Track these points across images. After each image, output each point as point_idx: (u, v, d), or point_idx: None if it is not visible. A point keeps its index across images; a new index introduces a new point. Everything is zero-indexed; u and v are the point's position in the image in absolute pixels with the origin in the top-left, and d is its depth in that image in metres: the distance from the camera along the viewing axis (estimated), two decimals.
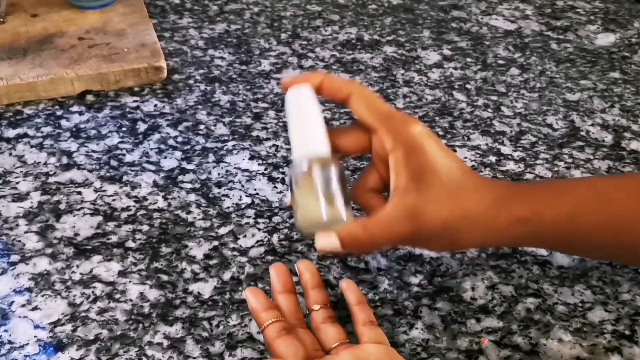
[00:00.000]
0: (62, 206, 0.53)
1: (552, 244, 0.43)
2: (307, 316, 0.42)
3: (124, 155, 0.59)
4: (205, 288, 0.46)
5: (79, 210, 0.52)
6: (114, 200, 0.53)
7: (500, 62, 0.74)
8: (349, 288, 0.42)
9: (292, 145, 0.41)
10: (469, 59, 0.75)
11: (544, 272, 0.47)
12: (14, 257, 0.48)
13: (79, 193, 0.54)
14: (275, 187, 0.55)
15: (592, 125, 0.64)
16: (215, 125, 0.63)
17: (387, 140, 0.39)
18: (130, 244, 0.49)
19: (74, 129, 0.62)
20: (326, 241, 0.39)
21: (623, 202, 0.38)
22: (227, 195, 0.54)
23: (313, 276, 0.42)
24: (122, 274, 0.47)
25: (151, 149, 0.59)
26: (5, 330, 0.43)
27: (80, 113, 0.64)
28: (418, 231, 0.38)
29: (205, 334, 0.43)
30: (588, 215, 0.38)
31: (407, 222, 0.38)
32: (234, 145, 0.60)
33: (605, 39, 0.80)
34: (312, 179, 0.39)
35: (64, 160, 0.58)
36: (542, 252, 0.49)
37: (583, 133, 0.63)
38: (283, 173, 0.57)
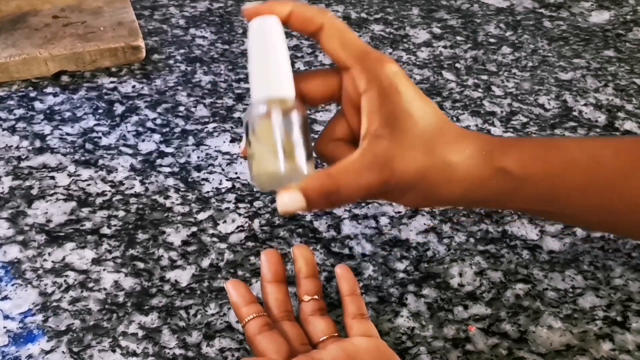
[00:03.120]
0: (34, 191, 0.51)
1: (533, 203, 0.38)
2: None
3: (100, 138, 0.56)
4: (183, 276, 0.44)
5: (51, 195, 0.50)
6: (88, 185, 0.51)
7: (491, 40, 0.72)
8: (343, 276, 0.40)
9: (251, 84, 0.36)
10: (459, 38, 0.72)
11: (534, 257, 0.46)
12: None
13: (52, 178, 0.52)
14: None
15: (585, 105, 0.62)
16: (195, 107, 0.60)
17: (360, 80, 0.35)
18: (105, 230, 0.47)
19: (47, 111, 0.59)
20: (289, 199, 0.34)
21: (612, 163, 0.36)
22: (206, 180, 0.52)
23: (308, 264, 0.40)
24: (96, 261, 0.45)
25: (128, 131, 0.57)
26: None
27: (55, 94, 0.61)
28: (390, 181, 0.34)
29: (182, 324, 0.41)
30: (575, 174, 0.35)
31: (378, 170, 0.34)
32: (214, 128, 0.58)
33: (600, 17, 0.78)
34: (271, 125, 0.34)
35: (37, 143, 0.55)
36: (533, 236, 0.47)
37: (576, 113, 0.61)
38: None
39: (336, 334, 0.37)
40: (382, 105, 0.35)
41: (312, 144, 0.37)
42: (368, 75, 0.35)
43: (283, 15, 0.35)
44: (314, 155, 0.38)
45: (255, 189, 0.51)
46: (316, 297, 0.39)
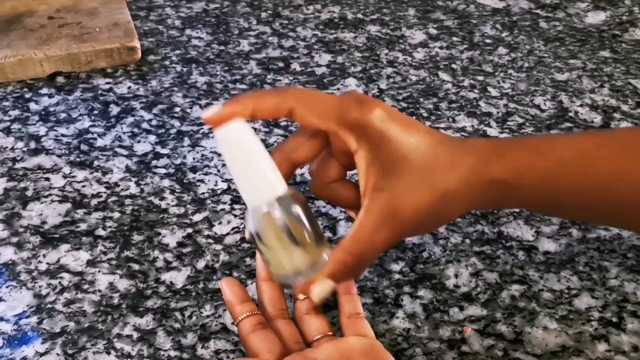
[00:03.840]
0: (29, 193, 0.50)
1: (531, 205, 0.40)
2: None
3: (95, 139, 0.56)
4: (178, 277, 0.44)
5: (46, 197, 0.50)
6: (83, 186, 0.51)
7: (488, 41, 0.72)
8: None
9: (241, 193, 0.35)
10: (455, 38, 0.72)
11: (529, 258, 0.46)
12: None
13: (47, 179, 0.52)
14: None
15: (581, 105, 0.62)
16: (191, 108, 0.60)
17: (349, 141, 0.36)
18: (100, 232, 0.47)
19: (43, 112, 0.59)
20: (322, 290, 0.36)
21: (605, 162, 0.36)
22: (202, 181, 0.52)
23: None
24: (91, 263, 0.45)
25: (124, 132, 0.57)
26: None
27: (50, 95, 0.61)
28: (403, 230, 0.36)
29: (177, 325, 0.41)
30: (569, 175, 0.36)
31: (388, 226, 0.35)
32: (210, 129, 0.58)
33: (596, 17, 0.78)
34: (276, 228, 0.34)
35: (32, 144, 0.55)
36: (528, 237, 0.47)
37: (572, 114, 0.61)
38: None
39: (331, 333, 0.37)
40: (376, 158, 0.35)
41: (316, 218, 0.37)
42: (356, 135, 0.35)
43: (246, 115, 0.34)
44: (324, 233, 0.39)
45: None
46: None
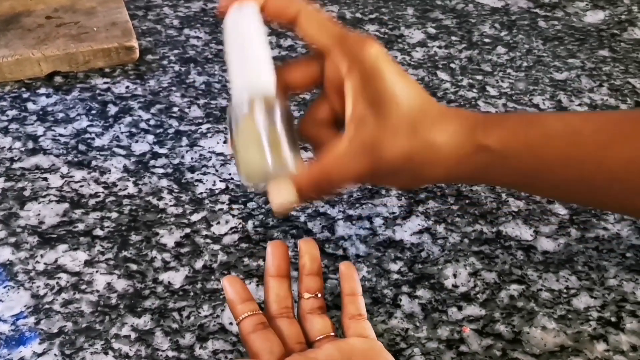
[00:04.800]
0: (27, 193, 0.50)
1: (515, 177, 0.39)
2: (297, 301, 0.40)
3: (93, 139, 0.56)
4: (176, 277, 0.44)
5: (44, 197, 0.50)
6: (81, 186, 0.51)
7: (486, 40, 0.72)
8: (345, 275, 0.39)
9: (231, 79, 0.35)
10: (453, 38, 0.72)
11: (528, 258, 0.46)
12: None
13: (45, 179, 0.52)
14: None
15: (580, 105, 0.62)
16: (189, 108, 0.60)
17: (342, 64, 0.35)
18: (98, 232, 0.47)
19: (40, 112, 0.59)
20: (281, 195, 0.35)
21: (592, 136, 0.36)
22: (200, 181, 0.52)
23: (313, 261, 0.39)
24: (89, 263, 0.45)
25: (122, 132, 0.57)
26: None
27: (48, 95, 0.61)
28: (378, 166, 0.35)
29: (175, 326, 0.41)
30: (555, 147, 0.36)
31: (366, 156, 0.35)
32: (208, 128, 0.57)
33: (594, 16, 0.78)
34: (254, 122, 0.34)
35: (30, 144, 0.55)
36: (527, 237, 0.47)
37: None
38: None
39: (333, 334, 0.37)
40: (365, 89, 0.35)
41: (297, 124, 0.37)
42: (349, 59, 0.35)
43: (259, 3, 0.35)
44: (299, 143, 0.37)
45: (249, 190, 0.51)
46: (317, 295, 0.39)
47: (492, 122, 0.36)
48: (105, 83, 0.63)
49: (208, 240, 0.47)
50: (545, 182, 0.38)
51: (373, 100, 0.35)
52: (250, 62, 0.34)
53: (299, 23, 0.36)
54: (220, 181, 0.52)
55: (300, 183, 0.35)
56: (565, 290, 0.43)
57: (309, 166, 0.35)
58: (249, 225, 0.48)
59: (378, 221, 0.48)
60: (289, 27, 0.37)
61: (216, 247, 0.46)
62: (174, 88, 0.63)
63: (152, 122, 0.58)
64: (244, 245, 0.46)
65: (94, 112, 0.59)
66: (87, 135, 0.56)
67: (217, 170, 0.53)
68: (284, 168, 0.34)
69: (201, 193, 0.51)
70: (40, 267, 0.44)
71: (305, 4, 0.36)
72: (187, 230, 0.47)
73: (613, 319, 0.41)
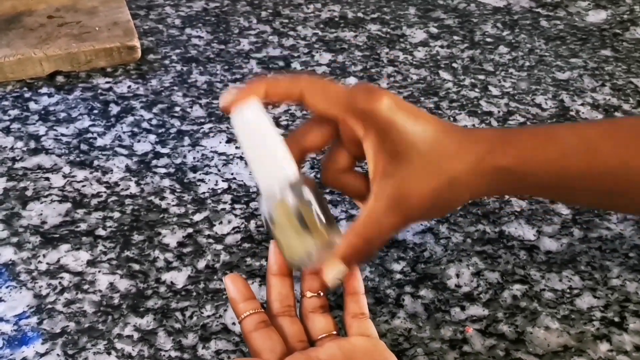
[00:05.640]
0: (29, 193, 0.50)
1: (534, 191, 0.41)
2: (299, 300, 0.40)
3: (95, 139, 0.56)
4: (179, 277, 0.44)
5: (46, 197, 0.50)
6: (83, 186, 0.51)
7: (488, 40, 0.72)
8: (348, 274, 0.40)
9: (255, 177, 0.37)
10: (455, 37, 0.72)
11: (531, 258, 0.46)
12: None
13: (47, 179, 0.52)
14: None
15: (582, 104, 0.62)
16: (191, 107, 0.60)
17: (357, 128, 0.37)
18: (100, 231, 0.47)
19: (42, 112, 0.59)
20: (334, 273, 0.37)
21: (611, 153, 0.37)
22: (202, 180, 0.52)
23: None
24: (91, 263, 0.45)
25: (124, 132, 0.57)
26: None
27: (50, 95, 0.61)
28: (410, 214, 0.36)
29: (177, 326, 0.41)
30: (574, 163, 0.37)
31: (396, 211, 0.36)
32: (210, 128, 0.57)
33: (597, 16, 0.78)
34: (288, 211, 0.35)
35: (32, 144, 0.55)
36: (530, 236, 0.47)
37: (573, 113, 0.61)
38: None
39: (335, 333, 0.37)
40: (384, 145, 0.36)
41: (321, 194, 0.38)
42: (363, 121, 0.36)
43: (259, 95, 0.36)
44: (333, 216, 0.39)
45: (251, 190, 0.51)
46: (319, 293, 0.39)
47: (508, 141, 0.37)
48: (107, 83, 0.63)
49: (210, 240, 0.47)
50: (565, 195, 0.40)
51: (393, 153, 0.36)
52: (269, 156, 0.36)
53: (305, 101, 0.37)
54: (223, 181, 0.52)
55: (344, 256, 0.37)
56: (568, 290, 0.43)
57: (346, 236, 0.37)
58: (252, 225, 0.48)
59: None
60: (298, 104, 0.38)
61: (219, 247, 0.46)
62: (175, 88, 0.62)
63: (154, 122, 0.58)
64: (246, 245, 0.46)
65: (96, 111, 0.59)
66: (89, 135, 0.56)
67: (219, 170, 0.53)
68: (326, 244, 0.36)
69: (203, 193, 0.51)
70: (43, 267, 0.44)
71: (305, 80, 0.37)
72: (190, 230, 0.47)
73: (616, 319, 0.41)
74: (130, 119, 0.58)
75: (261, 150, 0.36)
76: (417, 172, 0.36)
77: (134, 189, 0.51)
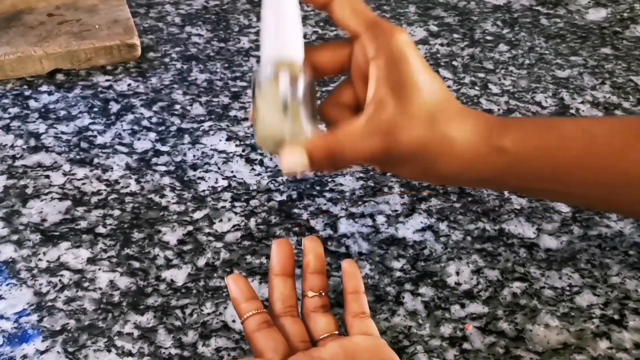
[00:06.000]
0: (29, 190, 0.50)
1: (531, 181, 0.38)
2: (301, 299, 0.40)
3: (95, 137, 0.56)
4: (179, 275, 0.44)
5: (46, 194, 0.50)
6: (83, 184, 0.51)
7: (488, 38, 0.72)
8: (348, 273, 0.39)
9: (262, 44, 0.36)
10: (455, 35, 0.72)
11: (531, 255, 0.46)
12: None
13: (47, 177, 0.52)
14: (253, 169, 0.53)
15: (582, 102, 0.62)
16: (191, 105, 0.60)
17: (369, 47, 0.36)
18: (100, 229, 0.47)
19: (42, 110, 0.59)
20: (293, 159, 0.35)
21: (607, 141, 0.36)
22: (202, 178, 0.52)
23: (317, 259, 0.39)
24: (92, 261, 0.45)
25: (124, 130, 0.57)
26: None
27: (50, 93, 0.61)
28: (392, 149, 0.35)
29: (178, 323, 0.41)
30: (571, 151, 0.36)
31: (382, 137, 0.35)
32: (210, 126, 0.57)
33: (597, 14, 0.78)
34: (278, 88, 0.35)
35: (32, 142, 0.55)
36: (530, 234, 0.47)
37: (573, 111, 0.61)
38: (262, 154, 0.54)
39: (337, 332, 0.37)
40: (390, 73, 0.35)
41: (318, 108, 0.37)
42: (378, 43, 0.35)
43: None
44: (319, 118, 0.38)
45: (251, 188, 0.51)
46: (321, 293, 0.39)
47: (509, 124, 0.37)
48: (107, 81, 0.63)
49: (210, 238, 0.47)
50: (561, 186, 0.38)
51: (396, 85, 0.35)
52: (282, 29, 0.35)
53: (332, 7, 0.36)
54: (223, 179, 0.52)
55: (313, 151, 0.35)
56: (568, 288, 0.43)
57: (322, 135, 0.36)
58: (252, 222, 0.48)
59: (381, 219, 0.48)
60: (322, 10, 0.37)
61: (219, 244, 0.46)
62: (175, 86, 0.62)
63: (154, 120, 0.58)
64: (246, 242, 0.46)
65: (96, 109, 0.59)
66: (89, 133, 0.56)
67: (219, 168, 0.53)
68: (300, 135, 0.35)
69: (203, 191, 0.51)
70: (43, 264, 0.44)
71: None
72: (190, 227, 0.47)
73: (616, 317, 0.41)
74: (130, 116, 0.58)
75: (278, 22, 0.35)
76: (413, 114, 0.35)
77: (134, 187, 0.51)
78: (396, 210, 0.49)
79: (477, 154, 0.35)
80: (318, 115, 0.37)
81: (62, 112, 0.59)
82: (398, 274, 0.44)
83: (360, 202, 0.50)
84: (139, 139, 0.56)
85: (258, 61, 0.66)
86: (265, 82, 0.35)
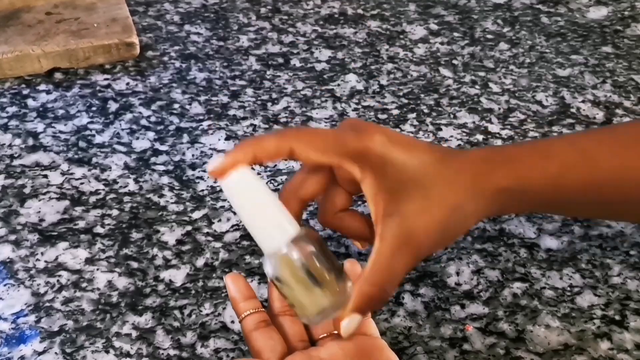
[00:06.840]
0: (27, 190, 0.50)
1: (538, 207, 0.41)
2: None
3: (93, 136, 0.56)
4: (177, 275, 0.44)
5: (44, 194, 0.50)
6: (82, 183, 0.51)
7: (489, 36, 0.72)
8: (349, 273, 0.39)
9: (256, 239, 0.35)
10: (456, 34, 0.72)
11: (531, 256, 0.45)
12: None
13: (45, 176, 0.51)
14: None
15: (583, 101, 0.61)
16: (190, 104, 0.60)
17: (353, 171, 0.36)
18: (98, 229, 0.47)
19: (40, 109, 0.59)
20: (351, 326, 0.35)
21: (607, 160, 0.37)
22: (201, 178, 0.52)
23: None
24: (90, 261, 0.44)
25: (122, 129, 0.57)
26: None
27: (48, 92, 0.61)
28: (419, 251, 0.35)
29: (176, 324, 0.40)
30: (573, 175, 0.36)
31: (405, 250, 0.35)
32: (209, 125, 0.57)
33: (598, 12, 0.77)
34: (294, 269, 0.34)
35: (30, 141, 0.55)
36: (530, 234, 0.47)
37: (573, 110, 0.60)
38: None
39: (336, 332, 0.37)
40: (382, 184, 0.35)
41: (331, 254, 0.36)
42: (358, 163, 0.35)
43: (248, 161, 0.35)
44: (341, 264, 0.37)
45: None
46: None
47: (504, 162, 0.37)
48: (105, 79, 0.63)
49: (209, 238, 0.46)
50: (565, 208, 0.40)
51: (392, 190, 0.35)
52: (266, 217, 0.35)
53: (296, 155, 0.36)
54: None
55: (358, 307, 0.35)
56: (568, 289, 0.43)
57: (358, 285, 0.35)
58: None
59: None
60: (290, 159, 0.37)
61: (217, 244, 0.46)
62: (174, 84, 0.62)
63: (152, 119, 0.58)
64: (245, 242, 0.46)
65: (94, 108, 0.59)
66: (88, 132, 0.56)
67: None
68: (339, 296, 0.35)
69: (202, 190, 0.50)
70: (41, 264, 0.44)
71: (292, 133, 0.36)
72: (188, 227, 0.47)
73: (617, 317, 0.41)
74: (128, 116, 0.58)
75: (257, 214, 0.35)
76: (419, 207, 0.35)
77: (132, 187, 0.51)
78: None
79: (486, 201, 0.36)
80: (340, 265, 0.36)
81: (61, 111, 0.58)
82: None
83: (360, 202, 0.49)
84: (137, 138, 0.56)
85: (257, 60, 0.66)
86: (279, 271, 0.35)
